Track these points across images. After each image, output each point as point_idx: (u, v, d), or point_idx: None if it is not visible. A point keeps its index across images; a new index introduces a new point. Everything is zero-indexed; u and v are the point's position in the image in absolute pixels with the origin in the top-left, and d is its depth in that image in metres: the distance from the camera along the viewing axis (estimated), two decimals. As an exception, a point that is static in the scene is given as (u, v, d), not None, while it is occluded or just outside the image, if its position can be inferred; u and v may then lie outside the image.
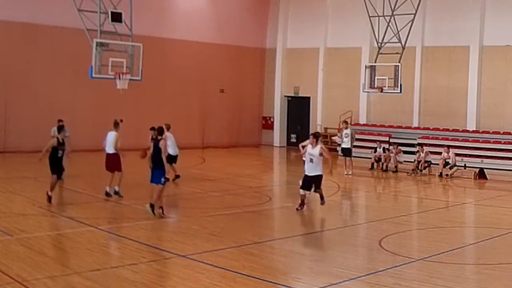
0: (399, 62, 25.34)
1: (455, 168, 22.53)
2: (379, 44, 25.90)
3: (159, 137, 13.33)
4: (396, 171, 23.59)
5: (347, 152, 22.88)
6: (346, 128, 23.28)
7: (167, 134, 15.49)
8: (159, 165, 13.13)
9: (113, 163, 15.58)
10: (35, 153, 24.08)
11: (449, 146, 23.27)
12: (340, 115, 29.86)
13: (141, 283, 8.74)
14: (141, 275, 9.11)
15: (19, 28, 24.78)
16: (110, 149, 15.63)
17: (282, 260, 10.63)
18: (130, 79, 20.55)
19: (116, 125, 15.70)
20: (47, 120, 25.25)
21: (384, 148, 24.54)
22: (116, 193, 15.53)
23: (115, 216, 14.38)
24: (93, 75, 19.99)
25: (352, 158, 23.01)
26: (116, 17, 20.35)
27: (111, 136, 15.64)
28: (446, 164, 22.46)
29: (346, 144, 22.88)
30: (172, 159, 17.39)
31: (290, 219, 14.36)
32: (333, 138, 24.10)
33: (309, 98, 33.26)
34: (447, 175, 22.26)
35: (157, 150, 13.14)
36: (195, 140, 30.43)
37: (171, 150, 17.06)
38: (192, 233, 12.54)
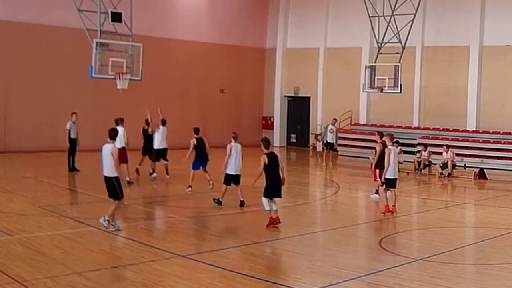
0: (399, 62, 25.29)
1: (450, 164, 22.39)
2: (379, 44, 25.87)
3: None
4: (398, 171, 23.54)
5: (331, 146, 25.83)
6: (333, 124, 26.13)
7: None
8: None
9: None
10: (35, 153, 24.30)
11: (448, 146, 23.24)
12: (340, 115, 29.86)
13: (141, 283, 8.74)
14: (141, 275, 9.11)
15: (19, 28, 24.76)
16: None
17: (282, 260, 10.63)
18: (130, 79, 20.52)
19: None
20: (47, 120, 25.38)
21: (386, 148, 24.47)
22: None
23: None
24: (93, 75, 19.95)
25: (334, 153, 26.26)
26: (116, 17, 20.33)
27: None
28: (444, 166, 22.41)
29: (330, 139, 25.74)
30: None
31: (290, 219, 14.35)
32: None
33: (309, 98, 33.25)
34: (449, 174, 22.24)
35: None
36: (195, 140, 30.39)
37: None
38: (192, 233, 12.56)
